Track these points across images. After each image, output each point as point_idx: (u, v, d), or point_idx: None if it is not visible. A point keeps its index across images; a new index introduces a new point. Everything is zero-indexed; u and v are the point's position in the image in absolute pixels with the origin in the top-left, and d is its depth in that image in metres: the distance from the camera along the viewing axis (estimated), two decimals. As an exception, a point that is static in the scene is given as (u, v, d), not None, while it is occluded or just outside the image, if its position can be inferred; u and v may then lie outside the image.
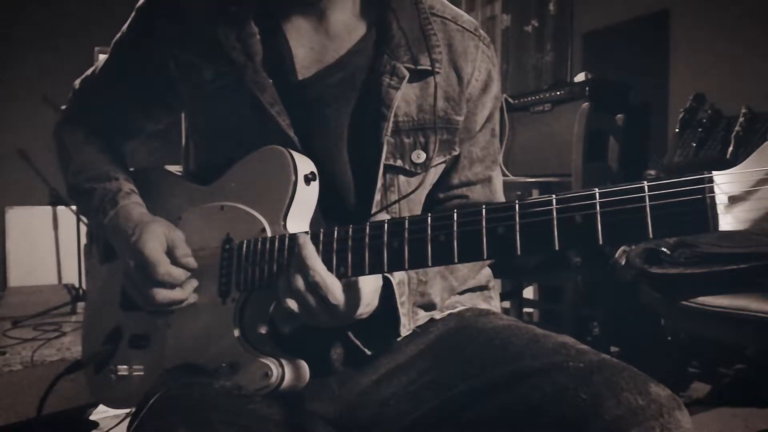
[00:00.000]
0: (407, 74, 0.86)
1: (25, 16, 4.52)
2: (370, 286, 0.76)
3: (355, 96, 0.87)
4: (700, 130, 2.37)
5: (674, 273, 1.86)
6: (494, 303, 1.01)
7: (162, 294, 0.84)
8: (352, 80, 0.88)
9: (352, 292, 0.74)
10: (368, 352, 0.84)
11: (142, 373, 0.92)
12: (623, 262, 2.04)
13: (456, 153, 0.93)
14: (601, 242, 0.56)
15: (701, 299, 1.77)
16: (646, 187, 0.55)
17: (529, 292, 3.17)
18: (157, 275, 0.83)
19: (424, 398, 0.80)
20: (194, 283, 0.86)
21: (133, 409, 0.80)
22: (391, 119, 0.85)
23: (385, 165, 0.87)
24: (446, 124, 0.90)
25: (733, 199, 0.51)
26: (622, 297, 2.43)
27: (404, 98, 0.87)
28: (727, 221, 0.51)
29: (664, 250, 1.91)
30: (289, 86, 0.87)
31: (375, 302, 0.79)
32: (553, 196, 0.60)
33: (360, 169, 0.87)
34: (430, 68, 0.87)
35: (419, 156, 0.89)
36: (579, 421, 0.65)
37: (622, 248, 2.08)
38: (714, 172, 0.52)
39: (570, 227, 0.59)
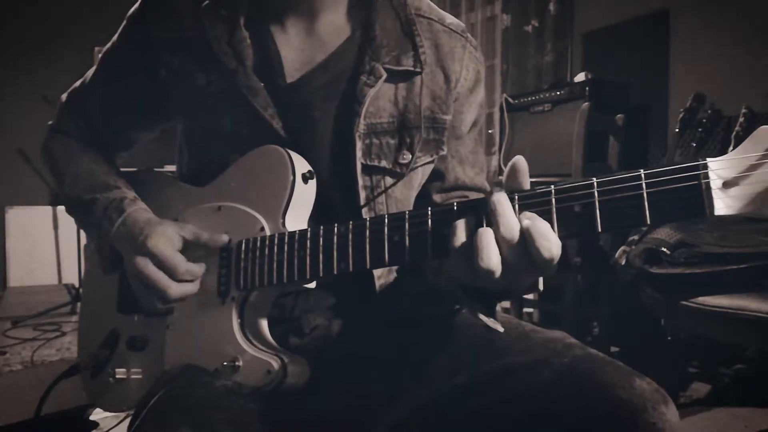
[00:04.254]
0: (384, 74, 0.86)
1: (25, 16, 4.53)
2: None
3: (339, 97, 0.87)
4: (700, 130, 2.38)
5: (674, 273, 1.86)
6: None
7: (177, 289, 0.84)
8: (337, 82, 0.88)
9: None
10: (500, 329, 0.71)
11: (140, 376, 0.92)
12: (623, 262, 2.04)
13: (443, 153, 0.93)
14: (600, 230, 0.57)
15: (701, 299, 1.77)
16: (642, 175, 0.56)
17: (529, 292, 3.17)
18: (178, 274, 0.83)
19: (415, 394, 0.80)
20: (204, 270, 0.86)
21: (133, 410, 0.80)
22: (363, 116, 0.85)
23: (370, 166, 0.87)
24: (432, 123, 0.90)
25: (727, 185, 0.52)
26: (622, 297, 2.44)
27: (389, 99, 0.87)
28: (722, 206, 0.52)
29: (664, 250, 1.91)
30: (279, 90, 0.87)
31: None
32: (552, 186, 0.60)
33: (344, 170, 0.87)
34: (412, 68, 0.88)
35: (404, 156, 0.89)
36: (563, 416, 0.65)
37: (622, 248, 2.08)
38: (708, 159, 0.53)
39: (569, 216, 0.59)
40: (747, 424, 1.99)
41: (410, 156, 0.89)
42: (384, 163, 0.88)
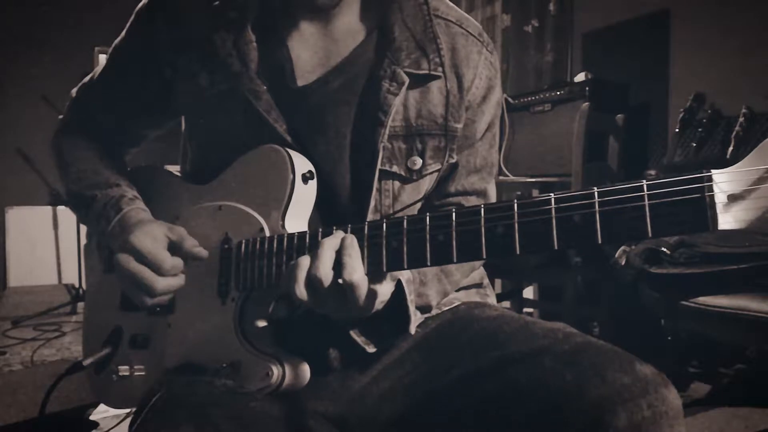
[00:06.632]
0: (407, 80, 0.84)
1: (25, 16, 4.52)
2: (386, 286, 0.75)
3: (355, 101, 0.86)
4: (700, 130, 2.37)
5: (674, 273, 1.86)
6: (490, 300, 1.01)
7: (163, 283, 0.84)
8: (353, 85, 0.87)
9: (371, 292, 0.73)
10: (370, 350, 0.83)
11: (143, 373, 0.92)
12: (623, 262, 2.04)
13: (453, 161, 0.92)
14: (600, 241, 0.56)
15: (701, 299, 1.77)
16: (645, 187, 0.55)
17: (529, 292, 3.17)
18: (164, 270, 0.83)
19: (417, 389, 0.81)
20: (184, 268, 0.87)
21: (134, 409, 0.80)
22: (389, 125, 0.84)
23: (381, 170, 0.86)
24: (444, 130, 0.88)
25: (732, 198, 0.51)
26: (622, 297, 2.43)
27: (403, 103, 0.86)
28: (726, 220, 0.51)
29: (664, 250, 1.91)
30: (288, 93, 0.87)
31: (386, 299, 0.77)
32: (552, 195, 0.59)
33: (358, 173, 0.87)
34: (432, 73, 0.86)
35: (415, 162, 0.88)
36: (565, 402, 0.66)
37: (622, 248, 2.08)
38: (713, 171, 0.52)
39: (569, 226, 0.58)
40: (747, 424, 1.99)
41: (421, 162, 0.88)
42: (395, 168, 0.87)
